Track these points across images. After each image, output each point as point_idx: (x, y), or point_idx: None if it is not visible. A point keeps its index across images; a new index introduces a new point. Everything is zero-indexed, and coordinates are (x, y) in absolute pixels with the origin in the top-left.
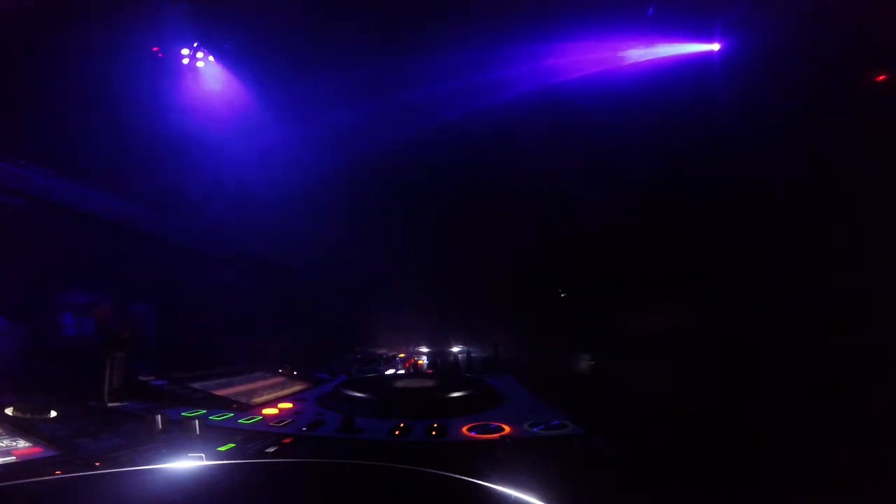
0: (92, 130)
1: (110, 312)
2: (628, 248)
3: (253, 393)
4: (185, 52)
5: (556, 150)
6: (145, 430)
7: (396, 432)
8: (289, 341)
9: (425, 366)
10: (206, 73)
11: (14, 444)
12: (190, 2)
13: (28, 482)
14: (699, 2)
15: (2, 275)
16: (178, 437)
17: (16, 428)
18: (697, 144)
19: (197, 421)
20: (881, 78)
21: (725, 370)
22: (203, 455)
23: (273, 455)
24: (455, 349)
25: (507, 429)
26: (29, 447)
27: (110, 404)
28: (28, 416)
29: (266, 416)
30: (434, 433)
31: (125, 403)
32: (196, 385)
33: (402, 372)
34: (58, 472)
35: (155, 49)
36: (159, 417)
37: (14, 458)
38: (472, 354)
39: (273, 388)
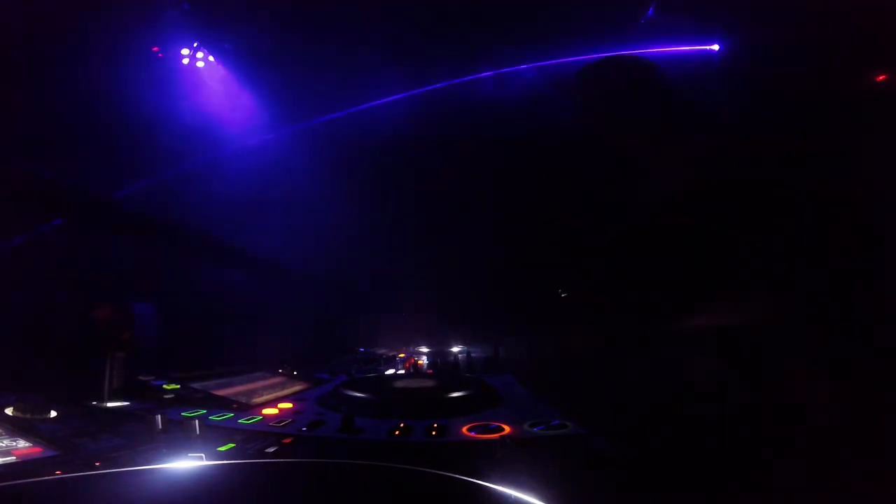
0: (91, 130)
1: (110, 312)
2: (628, 248)
3: (253, 393)
4: (185, 52)
5: (557, 150)
6: (145, 430)
7: (396, 432)
8: (289, 341)
9: (425, 366)
10: (206, 73)
11: (14, 444)
12: (190, 2)
13: (28, 482)
14: (699, 2)
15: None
16: (178, 437)
17: (16, 428)
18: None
19: (197, 421)
20: (881, 78)
21: (726, 370)
22: (203, 455)
23: (273, 455)
24: (455, 349)
25: (507, 429)
26: (29, 447)
27: (110, 404)
28: (28, 416)
29: (266, 416)
30: (434, 433)
31: (125, 403)
32: (196, 385)
33: (402, 372)
34: (58, 472)
35: (155, 49)
36: (159, 417)
37: (14, 458)
38: (472, 354)
39: (273, 388)
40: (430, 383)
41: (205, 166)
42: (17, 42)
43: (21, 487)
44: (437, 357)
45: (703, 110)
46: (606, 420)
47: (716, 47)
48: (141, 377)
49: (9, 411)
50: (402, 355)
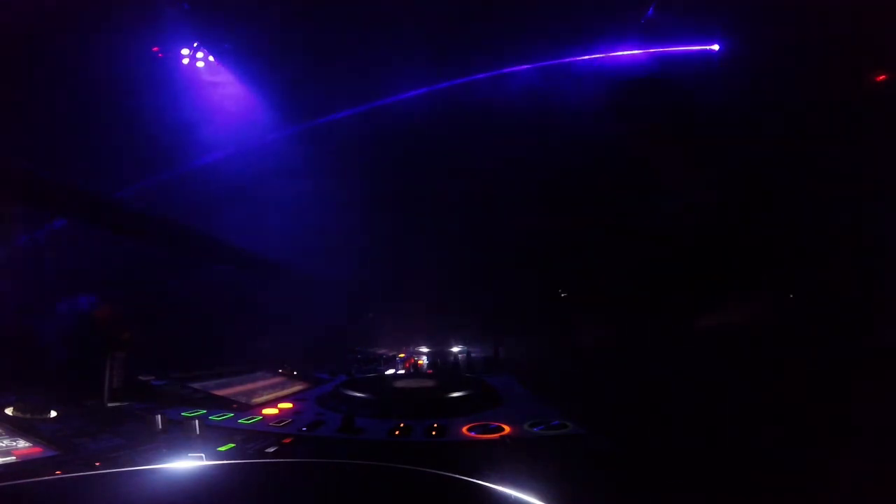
0: (91, 129)
1: (110, 312)
2: (628, 248)
3: (253, 393)
4: (185, 52)
5: (559, 151)
6: (145, 430)
7: (396, 432)
8: (289, 341)
9: (425, 366)
10: (206, 73)
11: (14, 444)
12: (190, 2)
13: (28, 482)
14: (698, 2)
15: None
16: (178, 437)
17: (16, 428)
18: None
19: (197, 421)
20: (881, 78)
21: (726, 370)
22: (203, 455)
23: (273, 455)
24: (455, 349)
25: (507, 429)
26: (29, 447)
27: (110, 404)
28: (28, 416)
29: (266, 416)
30: (434, 433)
31: (125, 403)
32: (196, 385)
33: (402, 372)
34: (58, 472)
35: (155, 49)
36: (159, 417)
37: (14, 458)
38: (472, 354)
39: (273, 388)
40: (430, 383)
41: (204, 166)
42: (17, 42)
43: (21, 487)
44: (437, 357)
45: (704, 110)
46: (606, 420)
47: (716, 47)
48: (141, 377)
49: (9, 411)
50: (402, 355)
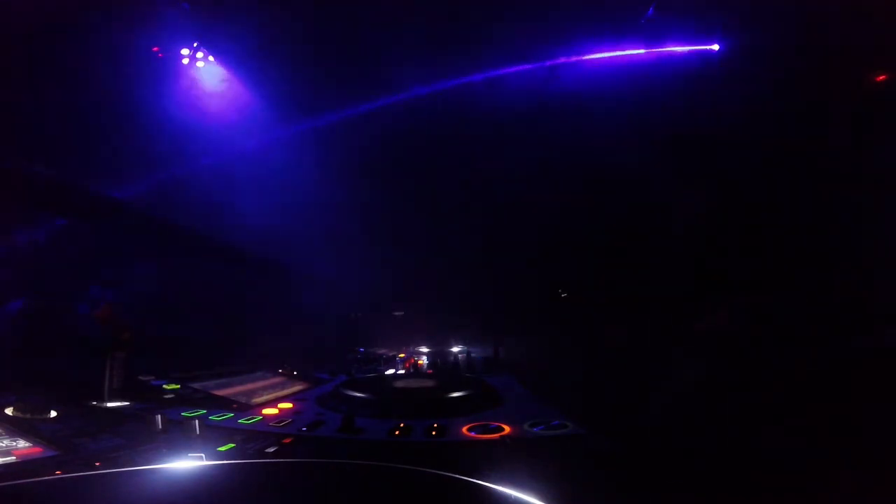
0: (91, 129)
1: (110, 312)
2: (628, 248)
3: (253, 393)
4: (185, 52)
5: (560, 150)
6: (145, 430)
7: (396, 432)
8: (289, 341)
9: (425, 366)
10: (206, 73)
11: (14, 444)
12: (190, 1)
13: (28, 482)
14: (698, 2)
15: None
16: (178, 437)
17: (16, 428)
18: (696, 143)
19: (197, 421)
20: (881, 78)
21: (726, 370)
22: (203, 455)
23: (273, 455)
24: (455, 349)
25: (507, 429)
26: (29, 447)
27: (110, 404)
28: (28, 416)
29: (266, 416)
30: (434, 433)
31: (125, 403)
32: (196, 385)
33: (402, 372)
34: (58, 472)
35: (155, 49)
36: (159, 417)
37: (14, 458)
38: (472, 354)
39: (273, 388)
40: (430, 383)
41: (204, 167)
42: (17, 42)
43: (21, 487)
44: (437, 357)
45: (704, 110)
46: (606, 420)
47: (716, 47)
48: (141, 377)
49: (9, 411)
50: (402, 355)
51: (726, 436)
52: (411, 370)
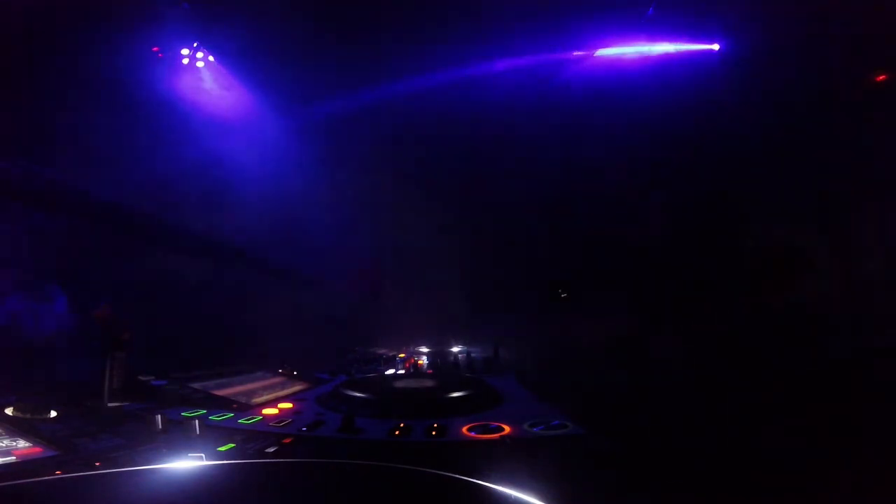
0: (91, 129)
1: (110, 312)
2: (628, 249)
3: (253, 393)
4: (185, 52)
5: (560, 150)
6: (145, 430)
7: (396, 432)
8: (289, 341)
9: (425, 366)
10: (206, 73)
11: (14, 444)
12: (190, 1)
13: (28, 482)
14: (699, 2)
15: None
16: (178, 437)
17: (16, 428)
18: (697, 143)
19: (197, 421)
20: (881, 78)
21: (726, 370)
22: (203, 455)
23: (273, 455)
24: (455, 349)
25: (507, 429)
26: (29, 447)
27: (110, 404)
28: (28, 416)
29: (266, 416)
30: (434, 433)
31: (125, 403)
32: (196, 385)
33: (402, 372)
34: (58, 472)
35: (155, 49)
36: (159, 417)
37: (14, 458)
38: (472, 354)
39: (273, 388)
40: (430, 383)
41: (204, 166)
42: (17, 42)
43: (21, 487)
44: (437, 357)
45: (704, 111)
46: (606, 420)
47: (716, 47)
48: (141, 377)
49: (9, 411)
50: (402, 355)
51: (726, 436)
52: (411, 370)
